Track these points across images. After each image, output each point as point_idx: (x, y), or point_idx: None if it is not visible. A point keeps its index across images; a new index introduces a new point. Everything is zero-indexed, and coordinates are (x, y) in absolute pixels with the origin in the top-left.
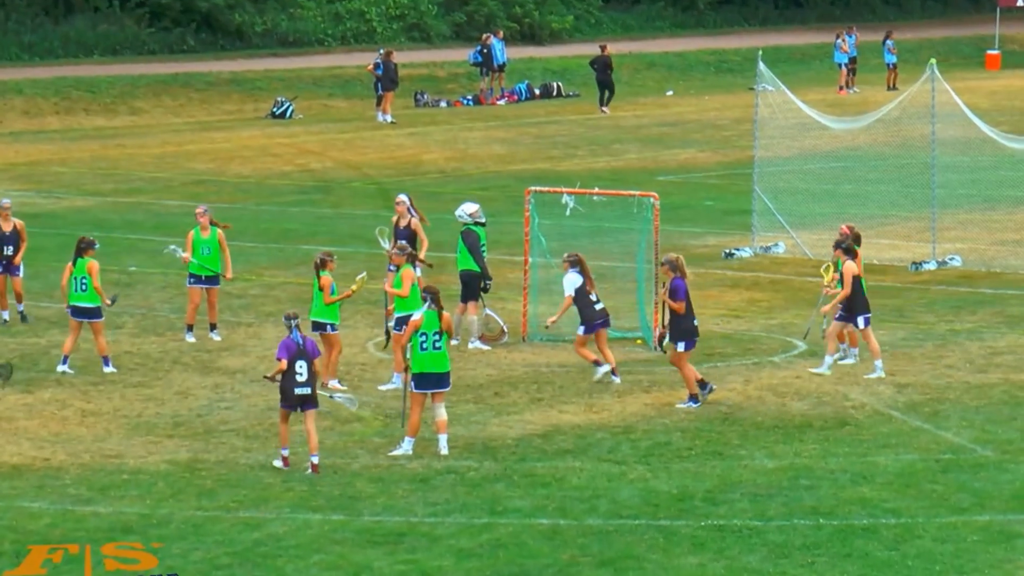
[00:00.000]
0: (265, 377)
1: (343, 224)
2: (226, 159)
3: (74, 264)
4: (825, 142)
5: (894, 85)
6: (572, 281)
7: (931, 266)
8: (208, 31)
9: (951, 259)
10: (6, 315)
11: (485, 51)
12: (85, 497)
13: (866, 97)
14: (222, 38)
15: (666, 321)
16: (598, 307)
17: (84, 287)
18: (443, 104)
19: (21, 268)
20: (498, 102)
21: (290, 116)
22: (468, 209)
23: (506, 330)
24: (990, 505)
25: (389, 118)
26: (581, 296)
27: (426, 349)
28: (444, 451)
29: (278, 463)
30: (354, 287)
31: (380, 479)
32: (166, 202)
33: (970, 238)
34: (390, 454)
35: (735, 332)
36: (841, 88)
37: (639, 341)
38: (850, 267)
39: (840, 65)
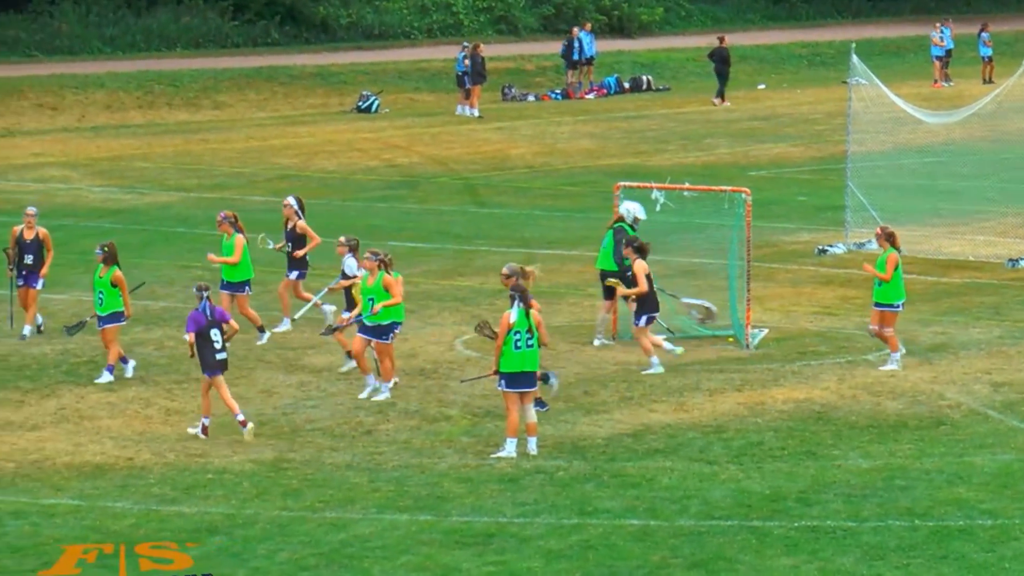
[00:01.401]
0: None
1: (430, 220)
2: (311, 154)
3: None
4: (919, 136)
5: (990, 78)
6: (351, 266)
7: None
8: (292, 24)
9: None
10: (26, 331)
11: (573, 43)
12: (170, 497)
13: (961, 91)
14: (306, 31)
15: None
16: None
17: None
18: (531, 98)
19: (41, 281)
20: (587, 96)
21: (375, 110)
22: (634, 210)
23: (713, 310)
24: None
25: (476, 112)
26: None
27: (519, 348)
28: (534, 452)
29: (195, 430)
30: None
31: (468, 479)
32: (250, 198)
33: None
34: (493, 457)
35: (828, 330)
36: (936, 81)
37: (731, 339)
38: (641, 266)
39: (935, 58)
